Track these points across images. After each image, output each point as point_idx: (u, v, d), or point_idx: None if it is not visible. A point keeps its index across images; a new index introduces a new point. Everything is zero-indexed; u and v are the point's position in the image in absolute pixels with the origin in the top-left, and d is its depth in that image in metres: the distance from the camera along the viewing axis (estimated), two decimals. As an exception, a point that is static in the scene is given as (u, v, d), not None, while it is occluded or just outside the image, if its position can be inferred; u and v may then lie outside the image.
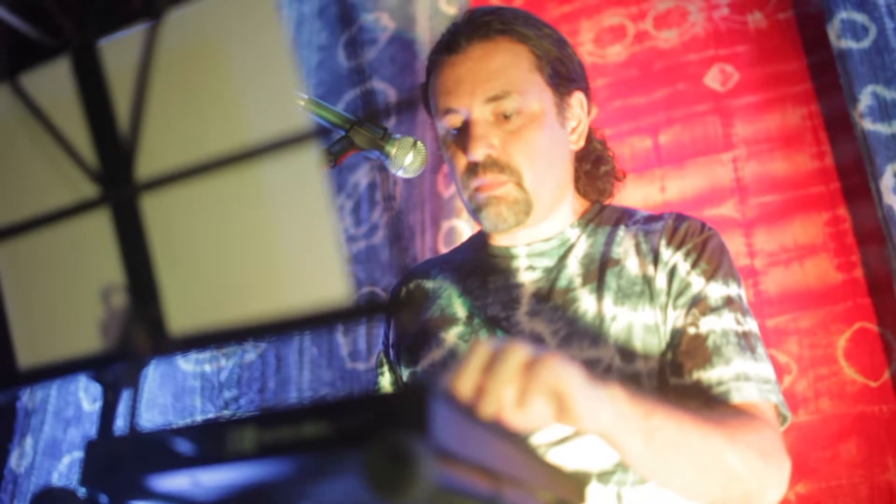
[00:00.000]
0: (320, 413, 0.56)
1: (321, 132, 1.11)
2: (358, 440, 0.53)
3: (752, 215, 2.14)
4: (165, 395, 2.60)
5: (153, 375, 2.64)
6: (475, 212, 1.27)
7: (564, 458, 1.10)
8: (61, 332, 0.64)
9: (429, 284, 1.38)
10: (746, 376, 1.09)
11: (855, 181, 2.06)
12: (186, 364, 2.61)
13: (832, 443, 1.86)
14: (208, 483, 0.64)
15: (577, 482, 0.83)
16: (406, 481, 0.48)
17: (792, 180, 2.14)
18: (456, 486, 0.55)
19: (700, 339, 1.13)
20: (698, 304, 1.15)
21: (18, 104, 0.61)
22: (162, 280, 0.60)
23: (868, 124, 1.98)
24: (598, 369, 1.14)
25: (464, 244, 1.48)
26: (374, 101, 2.38)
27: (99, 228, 0.60)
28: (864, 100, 2.00)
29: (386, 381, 1.40)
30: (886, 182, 1.91)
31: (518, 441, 0.71)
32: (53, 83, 0.60)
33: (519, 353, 0.77)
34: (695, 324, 1.14)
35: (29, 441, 2.71)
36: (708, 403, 1.08)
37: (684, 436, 0.94)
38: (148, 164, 0.59)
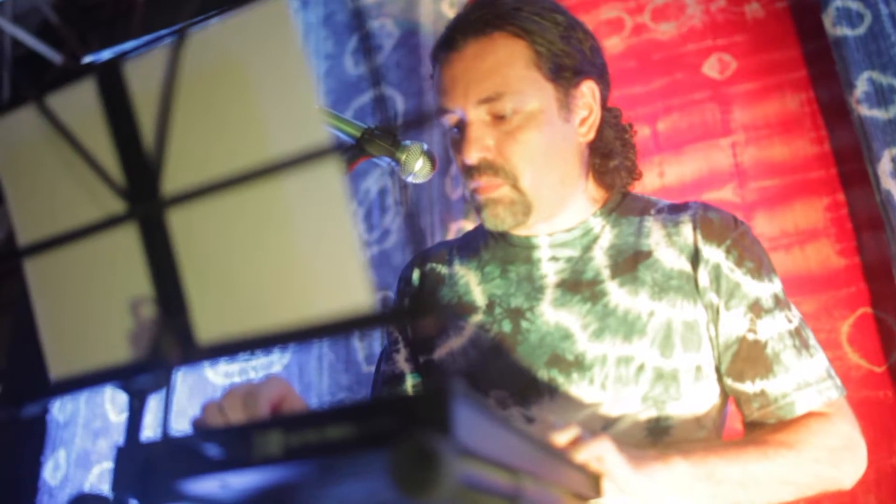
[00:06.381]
0: (345, 416, 0.57)
1: (340, 145, 1.13)
2: (382, 442, 0.55)
3: (751, 199, 2.15)
4: (195, 406, 2.64)
5: (182, 387, 2.68)
6: (476, 211, 1.26)
7: None
8: (91, 343, 0.65)
9: (444, 269, 1.35)
10: (807, 382, 1.15)
11: (855, 167, 2.07)
12: (216, 376, 2.64)
13: (837, 427, 1.88)
14: (236, 485, 0.66)
15: (593, 476, 0.85)
16: (432, 481, 0.50)
17: (791, 165, 2.15)
18: (479, 483, 0.57)
19: (759, 346, 1.17)
20: (752, 307, 1.18)
21: (46, 124, 0.63)
22: (189, 291, 0.62)
23: (865, 110, 1.99)
24: (630, 367, 1.14)
25: (478, 230, 1.41)
26: (386, 106, 2.39)
27: (126, 243, 0.62)
28: (861, 86, 2.01)
29: (401, 357, 1.34)
30: (884, 167, 1.92)
31: (535, 437, 0.72)
32: (79, 103, 0.62)
33: (572, 430, 0.89)
34: (752, 329, 1.18)
35: (62, 453, 2.77)
36: (775, 415, 1.16)
37: (750, 475, 1.04)
38: (173, 179, 0.61)
